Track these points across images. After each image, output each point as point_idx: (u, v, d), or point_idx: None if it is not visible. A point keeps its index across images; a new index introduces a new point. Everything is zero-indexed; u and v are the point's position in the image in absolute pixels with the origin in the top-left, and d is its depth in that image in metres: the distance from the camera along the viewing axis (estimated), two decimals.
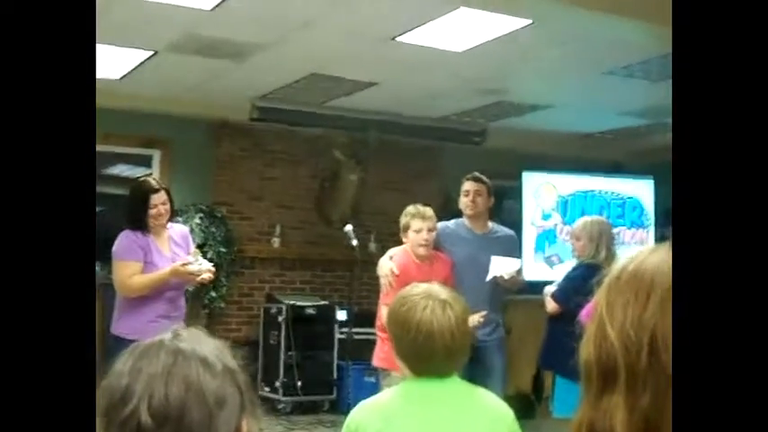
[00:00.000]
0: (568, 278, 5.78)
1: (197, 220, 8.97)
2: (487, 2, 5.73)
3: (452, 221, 6.22)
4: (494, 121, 9.76)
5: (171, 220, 5.45)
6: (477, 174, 6.27)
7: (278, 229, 9.75)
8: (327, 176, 9.86)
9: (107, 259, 5.44)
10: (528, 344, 9.49)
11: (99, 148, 8.37)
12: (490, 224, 6.29)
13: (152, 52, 7.36)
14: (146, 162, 9.52)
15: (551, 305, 5.75)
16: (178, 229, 5.57)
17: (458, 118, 9.67)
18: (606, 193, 9.98)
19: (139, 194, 5.33)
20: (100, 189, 10.72)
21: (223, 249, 9.03)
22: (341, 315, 9.01)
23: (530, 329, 9.26)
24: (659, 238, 9.39)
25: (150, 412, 1.26)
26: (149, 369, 1.30)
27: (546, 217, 9.77)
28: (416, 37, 6.58)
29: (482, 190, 6.16)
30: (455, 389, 2.74)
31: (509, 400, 3.06)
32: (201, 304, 8.80)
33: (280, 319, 8.84)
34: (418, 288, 2.79)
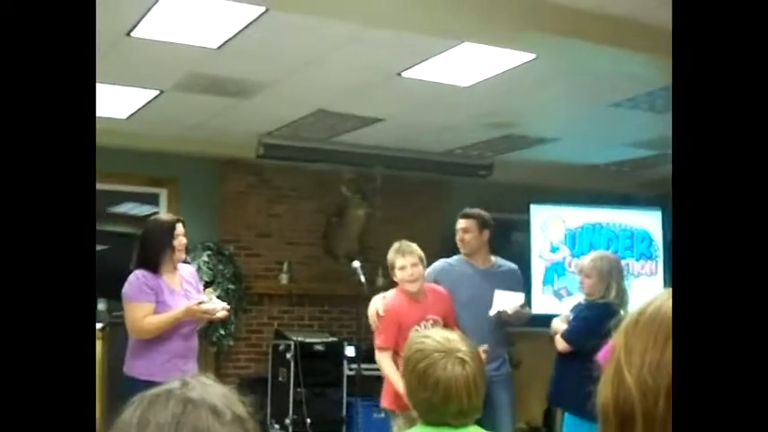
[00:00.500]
0: (580, 318, 5.71)
1: (205, 258, 8.97)
2: (491, 37, 5.74)
3: (455, 257, 6.22)
4: (500, 155, 9.76)
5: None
6: (467, 210, 6.25)
7: (285, 266, 9.74)
8: (334, 212, 9.86)
9: (112, 297, 5.44)
10: (538, 377, 9.44)
11: (106, 186, 8.42)
12: (493, 258, 6.26)
13: (158, 91, 7.39)
14: (153, 200, 9.54)
15: (562, 344, 5.70)
16: (187, 269, 5.59)
17: (464, 152, 9.68)
18: (614, 225, 9.95)
19: (162, 229, 5.35)
20: (107, 227, 10.75)
21: (231, 286, 9.02)
22: (349, 351, 8.98)
23: (540, 363, 9.21)
24: (668, 270, 9.36)
25: None
26: (158, 419, 1.28)
27: (554, 250, 9.75)
28: (421, 72, 6.60)
29: (470, 226, 6.14)
30: None
31: None
32: (210, 342, 8.77)
33: (288, 355, 8.80)
34: (435, 338, 2.73)
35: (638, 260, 9.86)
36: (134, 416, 1.30)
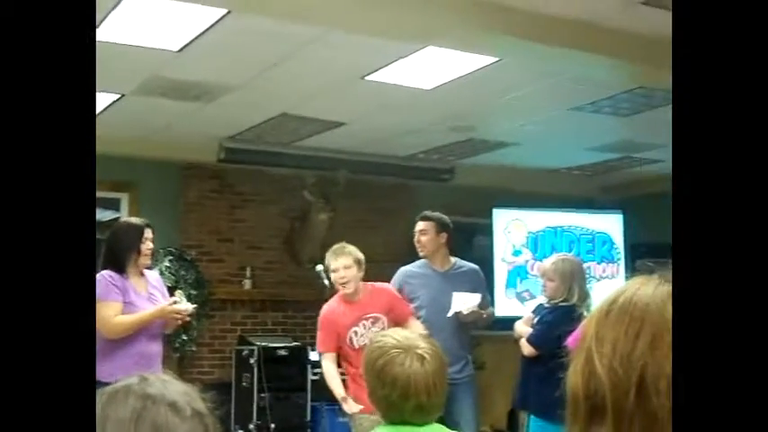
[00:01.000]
0: (544, 322, 5.72)
1: (166, 263, 8.91)
2: (455, 41, 5.76)
3: (416, 263, 6.29)
4: (463, 159, 9.79)
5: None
6: (425, 213, 6.36)
7: (248, 271, 9.70)
8: (297, 216, 9.83)
9: None
10: (502, 380, 9.47)
11: None
12: (453, 260, 6.34)
13: (119, 95, 7.33)
14: (114, 205, 9.45)
15: (528, 349, 5.71)
16: (152, 275, 5.59)
17: (426, 156, 9.71)
18: (576, 228, 10.02)
19: (130, 232, 5.32)
20: None
21: (193, 292, 8.94)
22: (313, 356, 8.93)
23: (503, 365, 9.25)
24: (629, 272, 9.42)
25: None
26: (117, 415, 1.27)
27: (516, 253, 9.79)
28: (385, 75, 6.61)
29: (428, 228, 6.24)
30: None
31: None
32: (173, 348, 8.71)
33: (252, 360, 8.75)
34: (395, 337, 2.73)
35: (599, 263, 9.93)
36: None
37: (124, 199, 9.31)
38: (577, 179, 10.77)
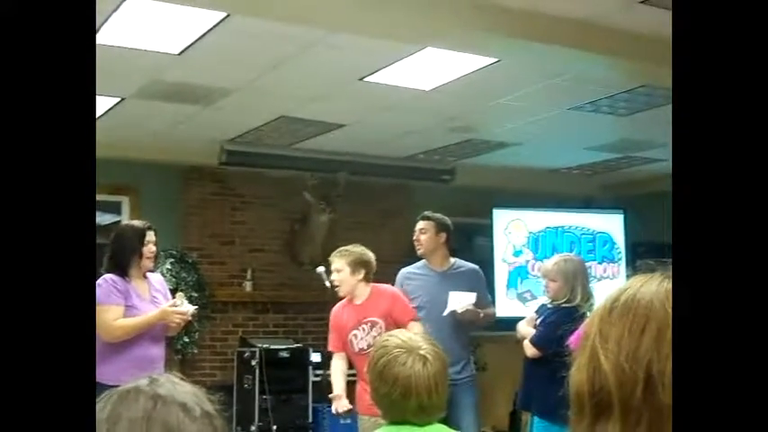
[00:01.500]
0: (547, 323, 5.70)
1: (168, 266, 8.91)
2: (454, 42, 5.76)
3: (417, 264, 6.33)
4: (463, 159, 9.79)
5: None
6: (426, 213, 6.41)
7: (249, 273, 9.71)
8: (298, 218, 9.84)
9: None
10: (503, 381, 9.48)
11: None
12: (452, 260, 6.38)
13: (119, 99, 7.34)
14: (115, 209, 9.46)
15: (531, 350, 5.70)
16: (155, 277, 5.59)
17: (426, 156, 9.71)
18: (576, 228, 10.02)
19: (133, 234, 5.34)
20: None
21: (195, 294, 8.95)
22: (315, 357, 8.96)
23: (505, 366, 9.25)
24: (630, 272, 9.43)
25: None
26: (129, 415, 1.28)
27: (517, 253, 9.80)
28: (384, 77, 6.61)
29: (427, 228, 6.30)
30: None
31: None
32: (174, 350, 8.72)
33: (253, 362, 8.76)
34: (399, 338, 2.77)
35: (600, 263, 9.93)
36: (104, 411, 1.30)
37: (125, 202, 9.33)
38: (577, 179, 10.77)
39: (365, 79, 6.68)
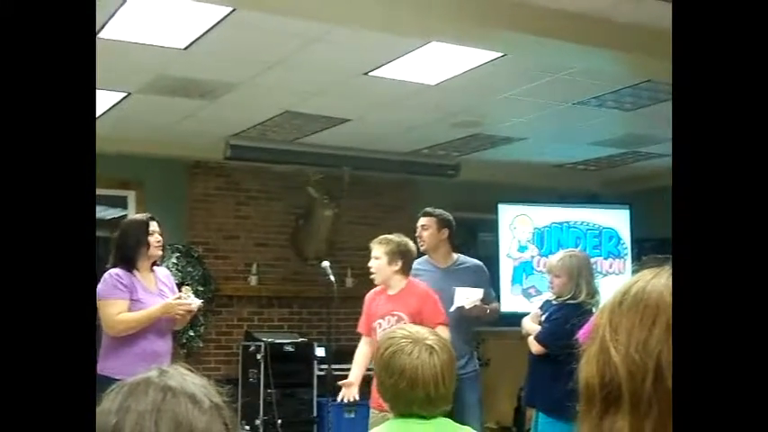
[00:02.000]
0: (552, 320, 5.68)
1: (173, 260, 8.93)
2: (459, 36, 5.76)
3: (419, 259, 6.29)
4: (467, 154, 9.78)
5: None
6: (428, 209, 6.40)
7: (254, 267, 9.72)
8: (302, 213, 9.84)
9: None
10: (508, 376, 9.48)
11: None
12: (455, 256, 6.38)
13: (125, 94, 7.35)
14: (120, 203, 9.48)
15: (536, 347, 5.68)
16: (162, 271, 5.62)
17: (431, 151, 9.70)
18: (582, 223, 10.01)
19: (136, 227, 5.37)
20: None
21: (200, 288, 8.96)
22: (319, 352, 8.97)
23: (509, 361, 9.24)
24: (636, 267, 9.42)
25: None
26: (138, 407, 1.29)
27: (522, 249, 9.79)
28: (389, 71, 6.61)
29: (429, 224, 6.29)
30: (439, 429, 2.72)
31: None
32: (179, 343, 8.73)
33: (258, 356, 8.78)
34: (407, 329, 2.78)
35: (606, 258, 9.92)
36: (114, 403, 1.31)
37: (131, 197, 9.34)
38: (583, 174, 10.76)
39: (370, 74, 6.68)
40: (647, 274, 1.15)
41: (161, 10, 5.41)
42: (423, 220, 6.33)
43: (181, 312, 5.30)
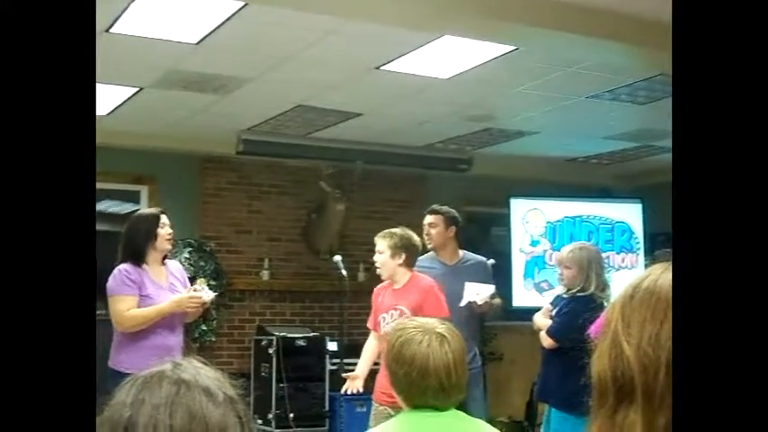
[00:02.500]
0: (563, 313, 5.67)
1: (186, 255, 8.95)
2: (471, 29, 5.74)
3: (425, 256, 6.29)
4: (480, 148, 9.77)
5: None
6: (435, 206, 6.42)
7: (266, 262, 9.74)
8: (314, 208, 9.85)
9: (96, 294, 5.43)
10: (520, 370, 9.48)
11: None
12: (461, 253, 6.40)
13: (137, 88, 7.36)
14: (133, 198, 9.50)
15: (547, 341, 5.67)
16: (174, 265, 5.61)
17: (444, 145, 9.69)
18: (594, 217, 9.98)
19: (146, 220, 5.37)
20: None
21: (213, 283, 8.96)
22: (332, 346, 8.98)
23: (521, 356, 9.25)
24: (649, 262, 9.39)
25: None
26: (152, 399, 1.29)
27: (534, 243, 9.77)
28: (401, 65, 6.60)
29: (436, 222, 6.30)
30: (452, 422, 2.71)
31: (503, 428, 3.04)
32: (192, 338, 8.76)
33: (270, 351, 8.80)
34: (417, 320, 2.79)
35: (618, 253, 9.89)
36: (128, 395, 1.31)
37: (143, 191, 9.37)
38: (595, 168, 10.73)
39: (382, 68, 6.67)
40: (658, 267, 1.14)
41: (173, 5, 5.42)
42: (430, 218, 6.34)
43: (192, 307, 5.30)
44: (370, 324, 5.83)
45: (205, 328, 9.02)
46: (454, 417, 2.72)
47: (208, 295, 5.36)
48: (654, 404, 1.05)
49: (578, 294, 5.59)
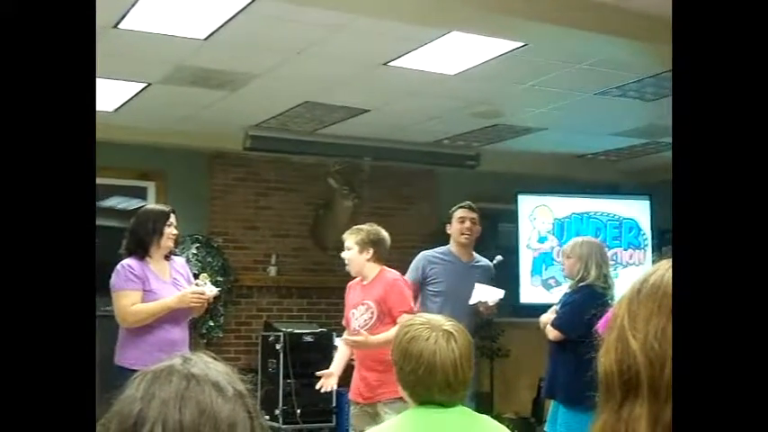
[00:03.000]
0: (567, 304, 5.73)
1: (193, 251, 8.96)
2: (480, 26, 5.74)
3: (440, 249, 6.30)
4: (488, 145, 9.76)
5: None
6: (470, 202, 6.41)
7: (274, 258, 9.74)
8: (322, 204, 9.86)
9: (100, 291, 5.44)
10: (527, 367, 9.48)
11: None
12: (474, 253, 6.40)
13: (145, 84, 7.37)
14: (141, 194, 9.51)
15: (553, 333, 5.71)
16: (178, 260, 5.63)
17: (451, 142, 9.68)
18: (602, 214, 9.96)
19: (154, 216, 5.38)
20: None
21: (220, 279, 8.99)
22: (338, 342, 8.97)
23: (528, 353, 9.24)
24: (656, 258, 9.37)
25: None
26: (162, 394, 1.29)
27: (542, 240, 9.75)
28: (409, 61, 6.59)
29: (477, 219, 6.31)
30: (458, 418, 2.72)
31: (510, 424, 3.05)
32: (199, 333, 8.77)
33: (278, 347, 8.81)
34: (424, 317, 2.81)
35: (626, 249, 9.88)
36: (138, 390, 1.31)
37: (151, 187, 9.38)
38: (603, 164, 10.72)
39: (390, 64, 6.67)
40: (665, 263, 1.15)
41: (181, 0, 5.42)
42: (470, 214, 6.36)
43: (195, 302, 5.31)
44: (344, 322, 5.85)
45: (212, 323, 9.03)
46: (460, 413, 2.73)
47: (210, 290, 5.37)
48: (660, 398, 1.05)
49: (580, 285, 5.65)
